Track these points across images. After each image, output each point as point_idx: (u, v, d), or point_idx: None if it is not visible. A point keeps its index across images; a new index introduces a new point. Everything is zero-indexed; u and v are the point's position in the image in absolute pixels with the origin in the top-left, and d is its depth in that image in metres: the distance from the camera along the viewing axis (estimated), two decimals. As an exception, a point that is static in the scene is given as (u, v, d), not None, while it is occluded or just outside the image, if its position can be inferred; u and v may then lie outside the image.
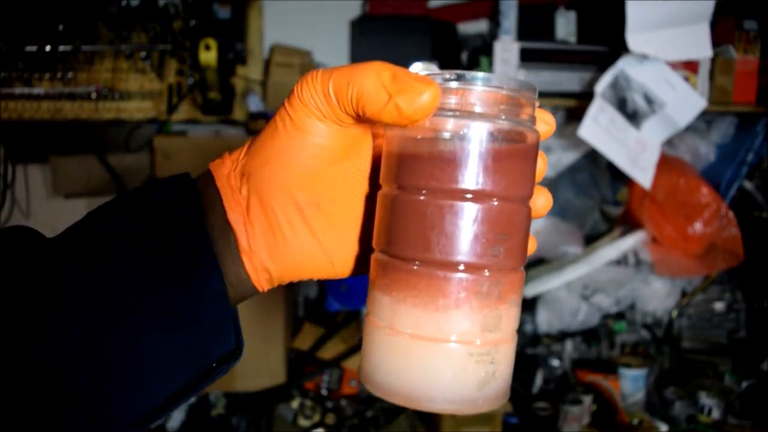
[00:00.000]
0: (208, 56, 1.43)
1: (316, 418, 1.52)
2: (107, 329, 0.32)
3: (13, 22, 1.46)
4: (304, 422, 1.52)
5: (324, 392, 1.60)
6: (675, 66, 1.47)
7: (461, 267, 0.32)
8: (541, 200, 0.37)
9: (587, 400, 1.54)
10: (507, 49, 1.56)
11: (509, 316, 0.33)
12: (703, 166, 1.74)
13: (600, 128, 1.46)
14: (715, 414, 1.56)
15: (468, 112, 0.32)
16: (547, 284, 1.65)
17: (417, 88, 0.31)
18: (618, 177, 1.77)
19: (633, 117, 1.48)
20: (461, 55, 1.76)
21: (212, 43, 1.43)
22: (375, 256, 0.35)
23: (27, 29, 1.47)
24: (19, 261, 0.34)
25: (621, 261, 1.72)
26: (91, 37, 1.51)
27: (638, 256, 1.71)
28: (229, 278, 0.36)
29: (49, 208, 1.81)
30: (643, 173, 1.49)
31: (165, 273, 0.33)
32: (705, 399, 1.57)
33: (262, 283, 0.37)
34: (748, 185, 1.72)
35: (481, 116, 0.32)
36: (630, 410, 1.58)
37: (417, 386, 0.32)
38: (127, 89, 1.55)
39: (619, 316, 1.76)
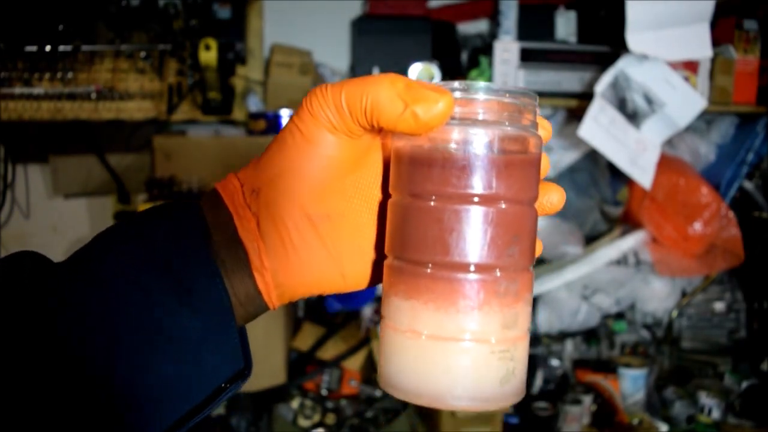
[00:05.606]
0: (208, 56, 1.43)
1: (316, 418, 1.52)
2: (115, 356, 0.33)
3: (13, 22, 1.46)
4: (304, 422, 1.52)
5: (324, 392, 1.60)
6: (675, 66, 1.47)
7: (480, 269, 0.33)
8: (555, 196, 0.38)
9: (587, 400, 1.54)
10: (507, 49, 1.56)
11: (524, 313, 0.35)
12: (703, 166, 1.74)
13: (600, 128, 1.46)
14: (715, 414, 1.56)
15: (476, 120, 0.33)
16: (547, 284, 1.65)
17: (432, 97, 0.32)
18: (618, 177, 1.77)
19: (633, 117, 1.48)
20: (461, 55, 1.76)
21: (212, 43, 1.43)
22: (389, 263, 0.36)
23: (27, 29, 1.47)
24: (24, 287, 0.34)
25: (621, 261, 1.71)
26: (91, 37, 1.51)
27: (638, 256, 1.71)
28: (238, 297, 0.36)
29: (49, 208, 1.80)
30: (643, 173, 1.49)
31: (171, 297, 0.34)
32: (705, 399, 1.57)
33: (273, 300, 0.37)
34: (748, 185, 1.72)
35: (489, 123, 0.34)
36: (630, 410, 1.58)
37: (442, 387, 0.33)
38: (127, 89, 1.55)
39: (619, 316, 1.76)
